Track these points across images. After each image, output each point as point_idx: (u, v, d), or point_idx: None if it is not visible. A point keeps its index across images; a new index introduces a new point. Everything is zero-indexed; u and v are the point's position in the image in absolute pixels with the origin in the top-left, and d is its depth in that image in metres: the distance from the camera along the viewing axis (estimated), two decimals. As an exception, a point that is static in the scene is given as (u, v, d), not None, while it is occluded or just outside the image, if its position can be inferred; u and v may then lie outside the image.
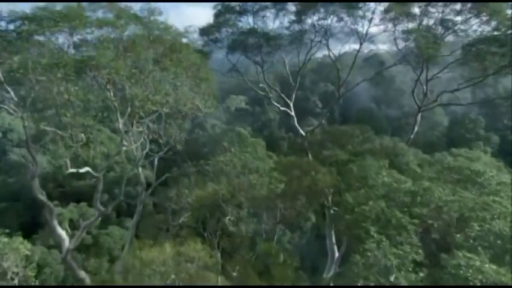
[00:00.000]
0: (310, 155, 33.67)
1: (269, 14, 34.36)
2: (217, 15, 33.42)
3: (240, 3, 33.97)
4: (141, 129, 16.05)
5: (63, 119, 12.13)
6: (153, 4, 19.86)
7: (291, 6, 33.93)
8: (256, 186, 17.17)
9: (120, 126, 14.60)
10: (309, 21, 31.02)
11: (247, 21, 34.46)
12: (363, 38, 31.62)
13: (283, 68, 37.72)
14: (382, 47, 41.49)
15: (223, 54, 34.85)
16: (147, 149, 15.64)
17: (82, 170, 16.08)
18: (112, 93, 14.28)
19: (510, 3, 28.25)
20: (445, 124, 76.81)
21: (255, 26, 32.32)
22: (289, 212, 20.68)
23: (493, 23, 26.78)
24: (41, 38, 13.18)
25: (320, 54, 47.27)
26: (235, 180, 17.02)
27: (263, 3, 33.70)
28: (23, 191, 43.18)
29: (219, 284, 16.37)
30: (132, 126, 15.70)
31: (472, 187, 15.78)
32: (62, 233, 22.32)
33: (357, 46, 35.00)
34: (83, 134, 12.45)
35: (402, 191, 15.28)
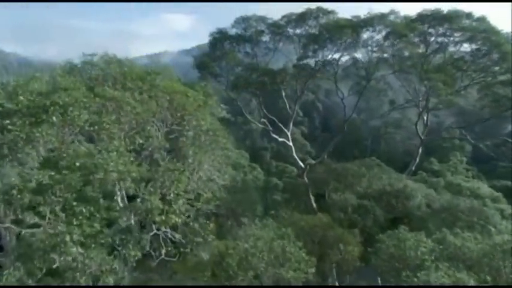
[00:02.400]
0: (311, 196, 31.28)
1: (267, 39, 31.44)
2: (213, 45, 29.85)
3: (236, 29, 30.75)
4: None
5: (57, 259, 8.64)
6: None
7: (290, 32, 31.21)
8: (291, 281, 14.38)
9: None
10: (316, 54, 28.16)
11: (244, 49, 31.29)
12: (370, 70, 29.34)
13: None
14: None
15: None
16: (163, 255, 12.31)
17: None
18: (120, 201, 10.84)
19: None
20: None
21: (255, 60, 29.03)
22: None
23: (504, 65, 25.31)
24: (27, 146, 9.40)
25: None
26: (264, 276, 14.11)
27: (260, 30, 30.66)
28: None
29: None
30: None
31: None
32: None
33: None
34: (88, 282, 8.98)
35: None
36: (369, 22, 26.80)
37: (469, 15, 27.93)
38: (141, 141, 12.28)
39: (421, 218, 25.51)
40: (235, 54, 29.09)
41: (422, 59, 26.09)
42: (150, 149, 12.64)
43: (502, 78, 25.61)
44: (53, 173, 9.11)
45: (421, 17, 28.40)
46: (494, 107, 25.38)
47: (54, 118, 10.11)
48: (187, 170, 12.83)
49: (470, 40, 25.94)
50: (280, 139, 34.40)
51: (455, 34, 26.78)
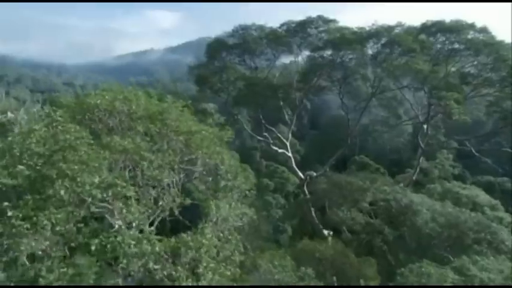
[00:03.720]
0: (313, 211, 30.24)
1: (266, 48, 29.74)
2: (211, 55, 27.86)
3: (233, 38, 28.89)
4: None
5: None
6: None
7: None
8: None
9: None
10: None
11: (243, 59, 29.47)
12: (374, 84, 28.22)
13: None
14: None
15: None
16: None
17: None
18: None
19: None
20: (409, 131, 77.69)
21: (255, 74, 27.31)
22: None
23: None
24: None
25: (287, 60, 43.20)
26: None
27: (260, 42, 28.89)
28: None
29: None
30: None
31: None
32: None
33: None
34: None
35: None
36: (375, 34, 25.54)
37: (471, 26, 27.14)
38: (160, 203, 10.61)
39: (429, 235, 24.90)
40: (235, 68, 27.29)
41: (429, 73, 25.12)
42: (168, 207, 11.00)
43: (508, 90, 25.00)
44: (65, 269, 7.42)
45: (424, 28, 27.42)
46: (504, 122, 24.88)
47: (62, 192, 8.31)
48: (208, 227, 11.29)
49: (475, 53, 25.14)
50: (280, 150, 33.06)
51: (459, 46, 25.93)
